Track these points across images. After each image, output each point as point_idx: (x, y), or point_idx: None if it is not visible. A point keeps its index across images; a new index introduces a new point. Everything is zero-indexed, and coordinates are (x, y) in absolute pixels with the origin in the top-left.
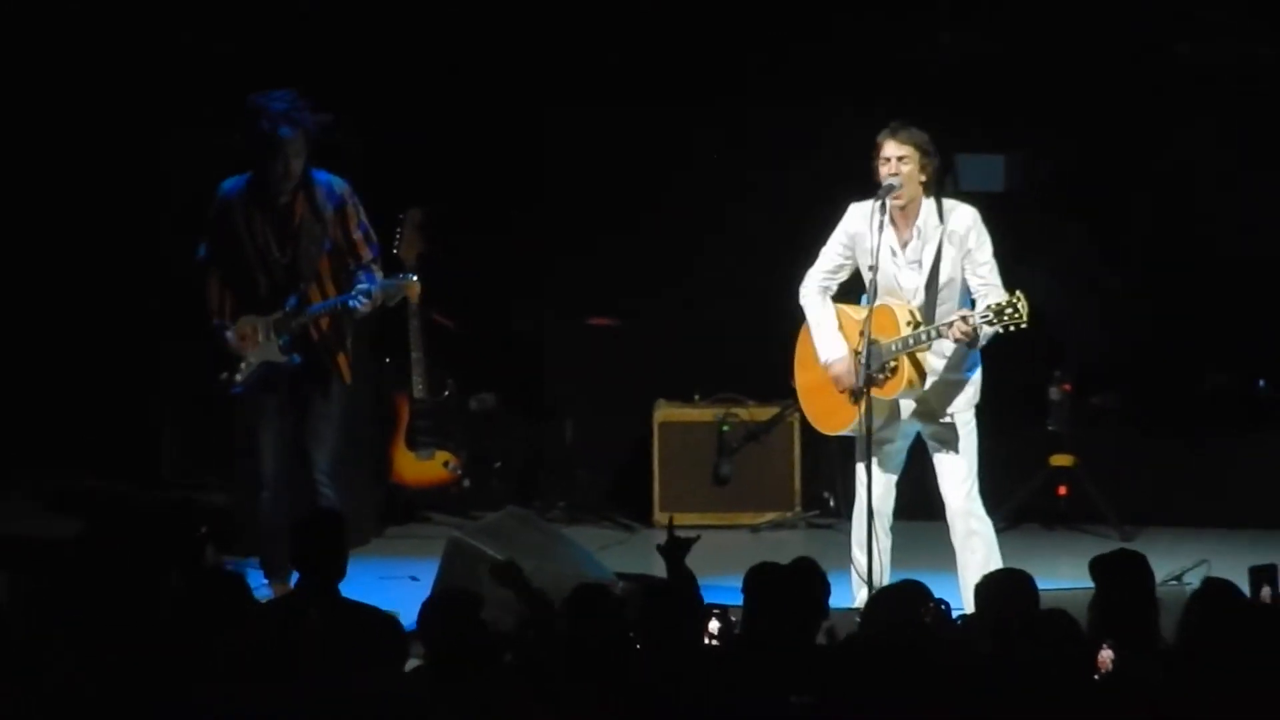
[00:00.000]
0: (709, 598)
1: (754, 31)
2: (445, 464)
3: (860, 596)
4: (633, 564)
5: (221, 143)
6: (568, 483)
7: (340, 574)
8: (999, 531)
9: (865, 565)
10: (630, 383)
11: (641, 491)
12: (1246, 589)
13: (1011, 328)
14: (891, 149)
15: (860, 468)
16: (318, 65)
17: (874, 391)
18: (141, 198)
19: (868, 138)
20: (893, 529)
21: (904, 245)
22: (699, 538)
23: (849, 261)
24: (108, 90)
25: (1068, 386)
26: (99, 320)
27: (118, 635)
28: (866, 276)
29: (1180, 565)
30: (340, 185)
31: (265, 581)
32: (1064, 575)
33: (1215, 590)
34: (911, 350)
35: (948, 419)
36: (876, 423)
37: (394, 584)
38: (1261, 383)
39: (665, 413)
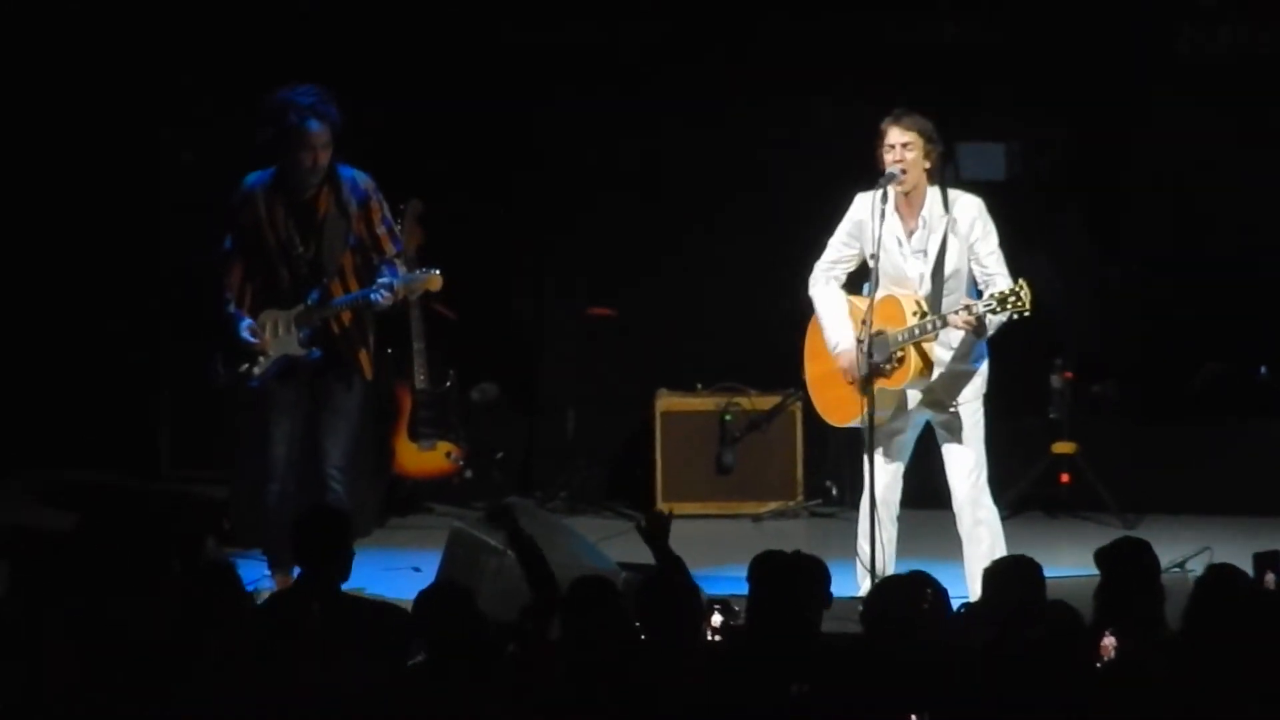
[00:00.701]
0: (711, 588)
1: (757, 18)
2: (447, 455)
3: (865, 586)
4: (635, 555)
5: (220, 140)
6: (569, 473)
7: (343, 574)
8: (1001, 520)
9: (869, 555)
10: (631, 372)
11: (643, 482)
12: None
13: (1015, 315)
14: (895, 135)
15: (867, 458)
16: (317, 64)
17: (882, 382)
18: (140, 193)
19: (870, 126)
20: (899, 517)
21: (910, 234)
22: (671, 512)
23: (855, 251)
24: (107, 87)
25: (1069, 374)
26: (98, 315)
27: (116, 628)
28: (871, 265)
29: (1182, 552)
30: (364, 180)
31: (268, 573)
32: (1066, 563)
33: (1220, 576)
34: (918, 340)
35: (955, 408)
36: (886, 413)
37: (397, 575)
38: (1263, 369)
39: (667, 402)
